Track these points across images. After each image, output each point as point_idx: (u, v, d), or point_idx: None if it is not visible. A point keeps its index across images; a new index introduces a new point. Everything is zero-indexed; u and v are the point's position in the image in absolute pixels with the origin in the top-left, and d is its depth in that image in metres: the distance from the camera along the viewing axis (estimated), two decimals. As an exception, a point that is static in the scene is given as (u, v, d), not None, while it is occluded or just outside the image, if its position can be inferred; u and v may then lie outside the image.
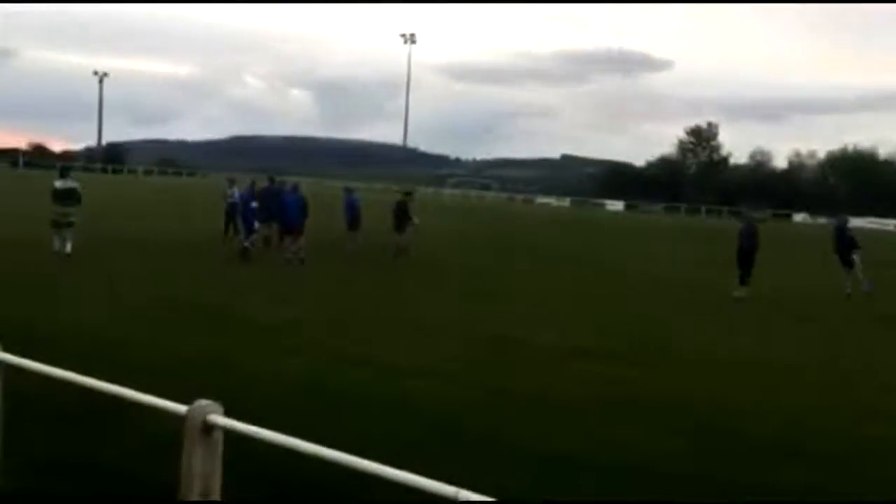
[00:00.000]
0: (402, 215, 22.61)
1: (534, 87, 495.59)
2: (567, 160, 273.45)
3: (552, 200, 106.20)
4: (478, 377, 9.39)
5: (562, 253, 28.95)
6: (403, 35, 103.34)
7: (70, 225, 18.15)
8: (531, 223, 49.35)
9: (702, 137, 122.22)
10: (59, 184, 18.57)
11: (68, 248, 17.87)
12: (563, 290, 18.40)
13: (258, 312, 12.81)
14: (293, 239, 19.61)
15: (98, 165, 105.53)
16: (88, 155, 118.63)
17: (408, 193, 24.59)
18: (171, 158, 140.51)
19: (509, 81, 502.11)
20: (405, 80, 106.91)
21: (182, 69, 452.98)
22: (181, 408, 4.36)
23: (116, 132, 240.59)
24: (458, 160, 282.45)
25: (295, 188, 21.08)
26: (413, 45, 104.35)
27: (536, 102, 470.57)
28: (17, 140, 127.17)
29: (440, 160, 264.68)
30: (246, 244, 19.78)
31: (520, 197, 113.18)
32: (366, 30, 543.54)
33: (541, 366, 10.28)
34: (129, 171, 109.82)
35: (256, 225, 20.33)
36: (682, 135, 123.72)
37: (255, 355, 9.79)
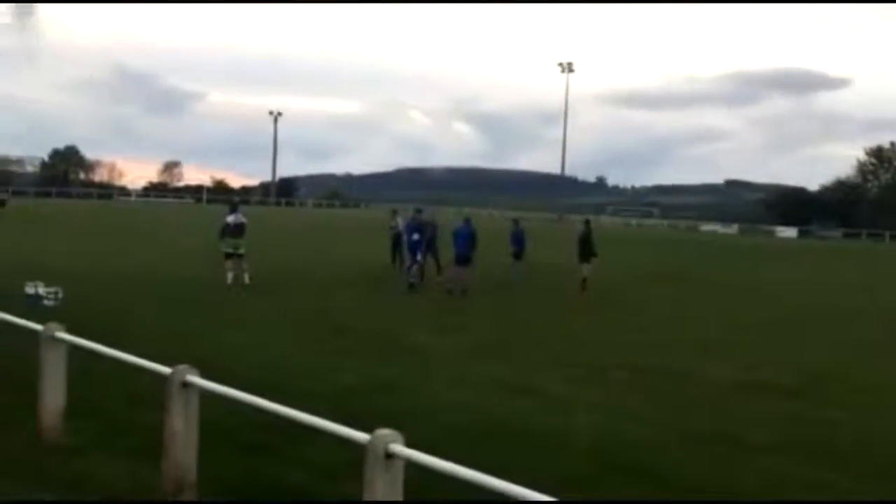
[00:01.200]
0: (586, 246, 22.45)
1: (696, 111, 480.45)
2: (732, 185, 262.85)
3: (718, 227, 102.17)
4: (647, 412, 9.15)
5: (732, 281, 27.74)
6: (561, 64, 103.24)
7: (241, 256, 19.42)
8: (700, 250, 47.64)
9: (884, 158, 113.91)
10: (230, 218, 19.94)
11: (246, 278, 19.19)
12: (734, 320, 17.60)
13: (425, 341, 13.10)
14: (462, 270, 19.87)
15: (272, 199, 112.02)
16: (264, 189, 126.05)
17: (587, 222, 24.45)
18: (339, 191, 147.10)
19: (670, 106, 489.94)
20: (563, 108, 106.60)
21: (350, 107, 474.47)
22: (363, 436, 4.54)
23: (289, 167, 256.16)
24: (616, 187, 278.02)
25: (467, 220, 21.39)
26: (571, 74, 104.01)
27: (699, 126, 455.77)
28: (202, 176, 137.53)
29: (598, 188, 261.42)
30: (411, 280, 20.19)
31: (683, 224, 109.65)
32: (525, 61, 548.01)
33: (715, 401, 9.87)
34: (300, 204, 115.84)
35: (419, 256, 20.74)
36: (861, 156, 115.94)
37: (422, 383, 10.00)
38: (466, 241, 20.09)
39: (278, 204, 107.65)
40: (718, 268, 34.91)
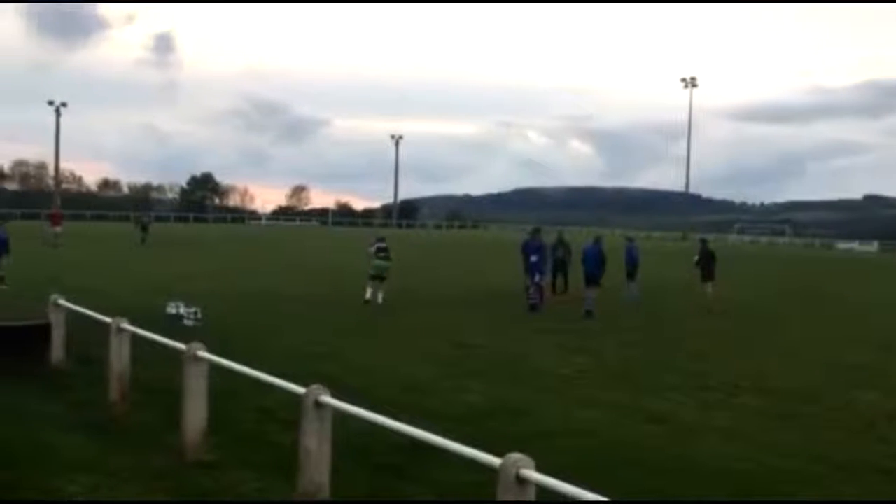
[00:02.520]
0: (707, 263, 21.90)
1: (830, 124, 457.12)
2: (871, 200, 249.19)
3: (855, 245, 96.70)
4: (788, 439, 8.67)
5: (871, 301, 26.11)
6: (684, 80, 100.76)
7: (383, 279, 20.36)
8: (835, 269, 45.18)
9: None
10: (373, 248, 21.11)
11: (380, 297, 19.91)
12: (874, 342, 16.50)
13: (550, 362, 12.94)
14: (589, 290, 19.67)
15: (394, 221, 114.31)
16: (385, 211, 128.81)
17: (703, 241, 23.95)
18: (458, 212, 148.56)
19: (801, 119, 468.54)
20: (686, 125, 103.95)
21: (469, 128, 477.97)
22: (494, 460, 4.50)
23: (409, 189, 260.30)
24: (743, 205, 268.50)
25: (597, 239, 21.17)
26: (694, 89, 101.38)
27: (833, 140, 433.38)
28: (327, 200, 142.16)
29: (725, 205, 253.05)
30: (531, 301, 20.04)
31: (818, 242, 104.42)
32: (645, 77, 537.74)
33: (863, 429, 9.26)
34: (421, 226, 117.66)
35: (537, 277, 20.56)
36: None
37: (549, 406, 9.86)
38: (596, 261, 19.96)
39: (399, 226, 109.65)
40: (856, 287, 32.98)
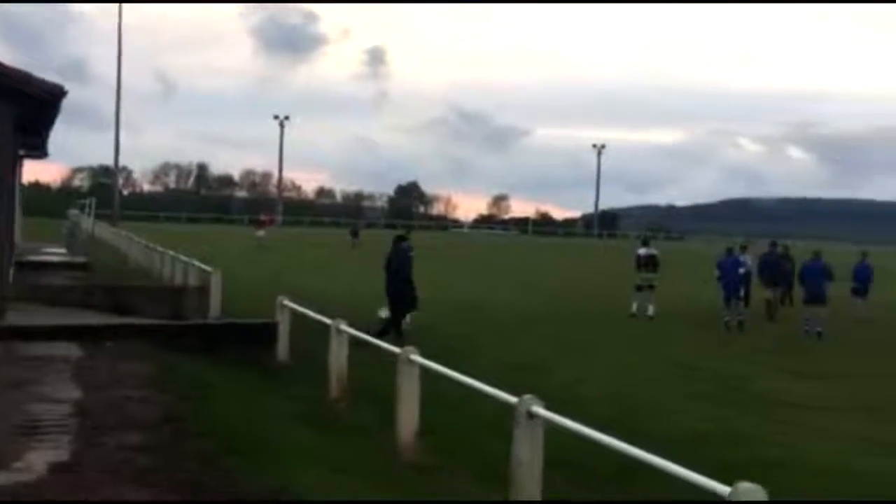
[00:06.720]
0: None
1: None
2: None
3: None
4: None
5: None
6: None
7: (651, 288, 19.82)
8: None
9: None
10: (642, 251, 20.65)
11: (650, 310, 19.44)
12: None
13: (778, 387, 12.20)
14: (814, 309, 18.39)
15: (594, 231, 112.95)
16: (585, 221, 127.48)
17: None
18: (661, 223, 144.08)
19: None
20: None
21: (674, 136, 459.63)
22: (723, 488, 4.25)
23: (611, 199, 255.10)
24: None
25: (817, 254, 19.84)
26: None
27: None
28: (527, 209, 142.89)
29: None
30: (740, 317, 19.02)
31: None
32: (878, 79, 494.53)
33: None
34: (621, 237, 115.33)
35: (742, 293, 19.58)
36: None
37: (779, 435, 9.25)
38: (817, 278, 18.61)
39: (600, 236, 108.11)
40: None
